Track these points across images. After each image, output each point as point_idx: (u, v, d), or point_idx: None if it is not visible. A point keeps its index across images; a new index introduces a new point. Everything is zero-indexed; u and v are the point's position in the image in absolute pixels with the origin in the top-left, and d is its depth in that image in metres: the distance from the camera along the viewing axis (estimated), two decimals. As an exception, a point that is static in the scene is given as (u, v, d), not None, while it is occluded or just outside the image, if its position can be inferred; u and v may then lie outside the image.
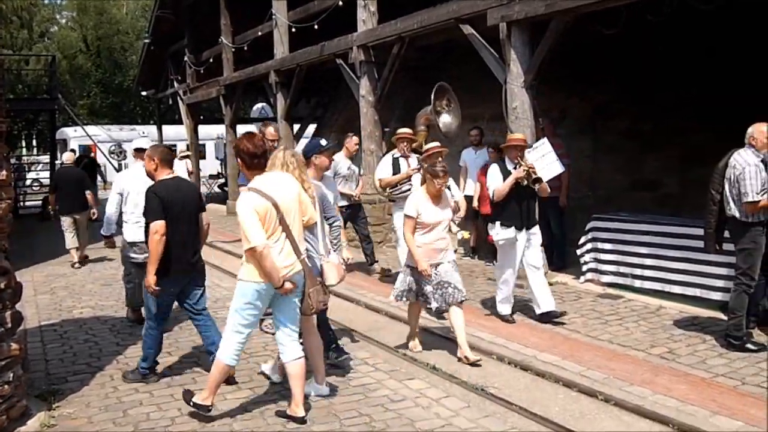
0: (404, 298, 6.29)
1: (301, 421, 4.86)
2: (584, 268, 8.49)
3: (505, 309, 7.15)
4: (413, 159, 8.30)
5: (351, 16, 12.03)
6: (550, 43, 8.25)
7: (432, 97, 8.54)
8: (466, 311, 7.43)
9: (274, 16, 14.90)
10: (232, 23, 17.63)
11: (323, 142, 6.13)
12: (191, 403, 5.03)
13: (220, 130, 22.55)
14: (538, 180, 6.83)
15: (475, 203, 9.85)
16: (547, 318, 6.94)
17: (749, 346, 5.95)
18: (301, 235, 4.94)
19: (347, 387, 5.58)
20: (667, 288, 7.58)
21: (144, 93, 26.44)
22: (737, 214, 5.95)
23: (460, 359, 6.02)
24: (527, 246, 6.97)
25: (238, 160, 5.14)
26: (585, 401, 5.14)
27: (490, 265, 9.68)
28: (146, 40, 22.27)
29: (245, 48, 16.81)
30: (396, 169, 8.28)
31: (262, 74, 15.77)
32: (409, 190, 7.82)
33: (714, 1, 7.17)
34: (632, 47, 9.90)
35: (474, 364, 5.91)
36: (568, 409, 5.02)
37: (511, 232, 6.84)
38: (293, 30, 14.32)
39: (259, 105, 27.51)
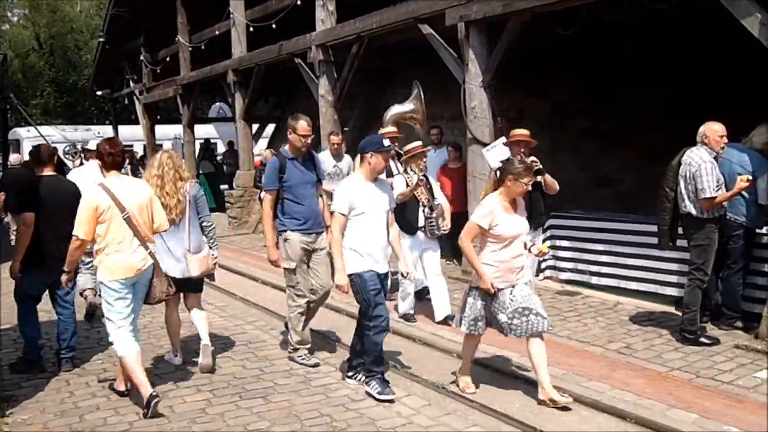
0: (474, 330, 5.21)
1: (121, 394, 5.42)
2: (543, 265, 8.58)
3: None
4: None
5: (309, 15, 11.96)
6: (507, 42, 8.31)
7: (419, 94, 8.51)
8: (425, 308, 7.46)
9: (231, 15, 14.76)
10: (189, 22, 17.39)
11: (386, 141, 5.47)
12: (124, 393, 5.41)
13: (177, 130, 22.24)
14: (540, 171, 6.41)
15: None
16: None
17: (703, 340, 6.09)
18: (150, 234, 5.30)
19: (308, 387, 5.56)
20: (624, 284, 7.71)
21: (99, 92, 25.90)
22: (693, 211, 6.07)
23: (542, 402, 5.03)
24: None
25: (98, 160, 5.69)
26: (546, 397, 5.17)
27: (450, 263, 9.73)
28: (101, 39, 21.84)
29: (202, 47, 16.63)
30: (387, 170, 7.59)
31: (220, 74, 15.61)
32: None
33: (670, 1, 7.28)
34: (591, 47, 10.01)
35: (564, 408, 4.92)
36: (528, 405, 5.06)
37: None
38: (251, 29, 14.21)
39: (217, 104, 27.21)
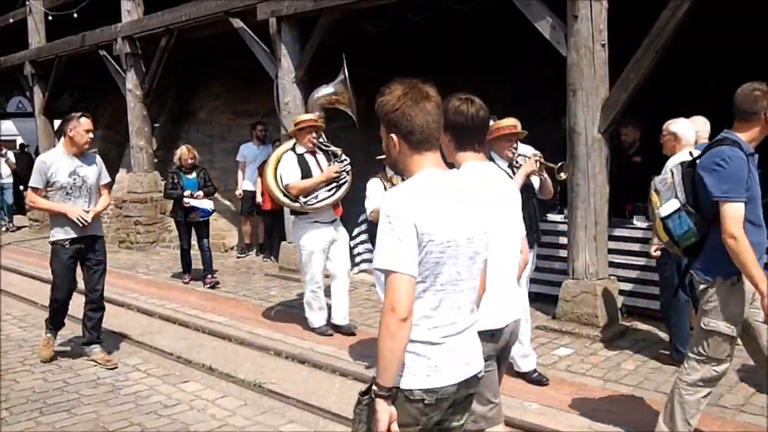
0: None
1: None
2: (357, 259, 8.72)
3: None
4: (321, 155, 6.52)
5: (115, 5, 11.40)
6: (319, 38, 8.38)
7: (345, 77, 6.99)
8: (241, 307, 7.39)
9: (27, 3, 13.76)
10: (-22, 7, 16.04)
11: None
12: None
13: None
14: (549, 167, 5.08)
15: (259, 198, 9.79)
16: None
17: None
18: None
19: (117, 396, 5.29)
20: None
21: None
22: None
23: None
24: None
25: None
26: (360, 387, 5.25)
27: (267, 260, 9.79)
28: None
29: (-6, 36, 15.39)
30: (304, 169, 6.32)
31: (16, 65, 14.57)
32: (328, 198, 6.32)
33: (470, 3, 7.63)
34: (401, 43, 10.29)
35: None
36: (345, 397, 5.10)
37: None
38: (50, 18, 13.31)
39: (16, 98, 25.33)
